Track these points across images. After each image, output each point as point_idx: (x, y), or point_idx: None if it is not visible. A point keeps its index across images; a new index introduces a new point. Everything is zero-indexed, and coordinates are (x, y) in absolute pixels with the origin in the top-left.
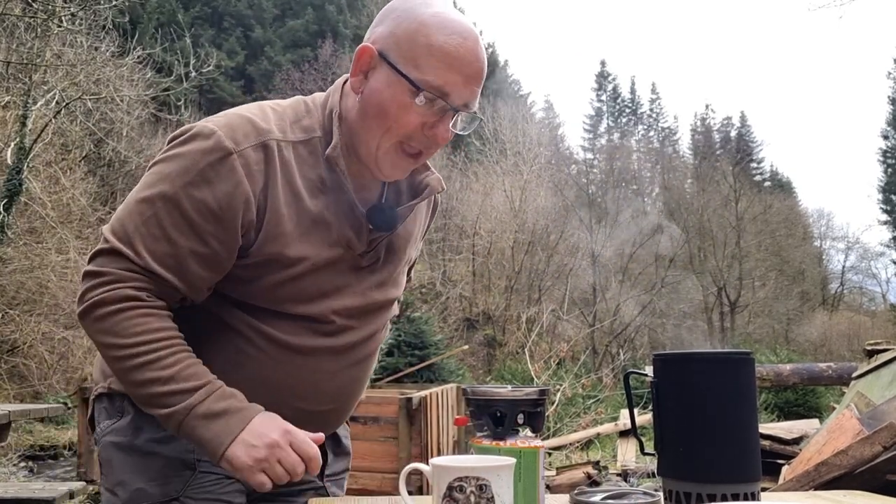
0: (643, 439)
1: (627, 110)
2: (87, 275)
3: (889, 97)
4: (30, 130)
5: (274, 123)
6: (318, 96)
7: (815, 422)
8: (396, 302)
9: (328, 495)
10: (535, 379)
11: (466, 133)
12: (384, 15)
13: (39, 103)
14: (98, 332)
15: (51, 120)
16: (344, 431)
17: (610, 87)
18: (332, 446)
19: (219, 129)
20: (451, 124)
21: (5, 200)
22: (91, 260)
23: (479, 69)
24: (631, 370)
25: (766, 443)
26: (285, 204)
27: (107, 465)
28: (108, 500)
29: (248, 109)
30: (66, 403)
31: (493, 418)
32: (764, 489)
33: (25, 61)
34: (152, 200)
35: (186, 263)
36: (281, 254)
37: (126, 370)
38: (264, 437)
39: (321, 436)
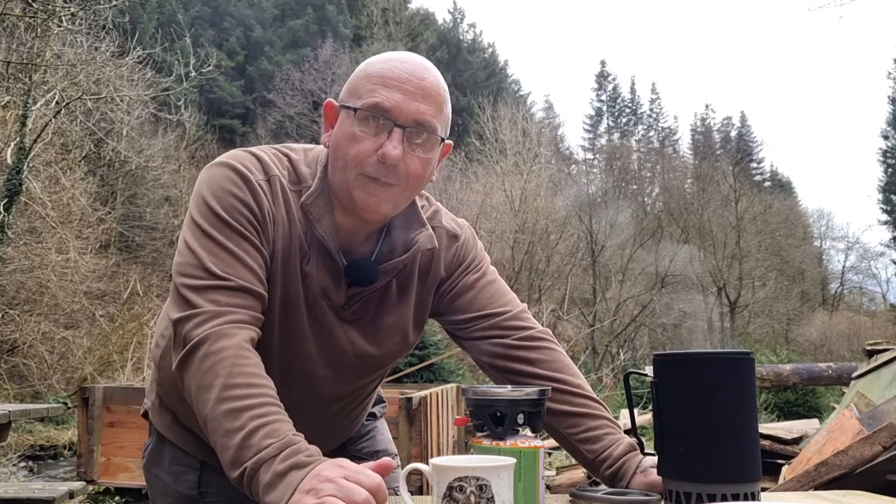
0: (643, 439)
1: (627, 110)
2: (179, 321)
3: (889, 97)
4: (30, 130)
5: (276, 166)
6: (320, 148)
7: (815, 422)
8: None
9: None
10: None
11: (422, 155)
12: None
13: (39, 103)
14: (201, 373)
15: (51, 120)
16: (371, 424)
17: (610, 87)
18: (352, 444)
19: (231, 160)
20: (399, 142)
21: (5, 200)
22: (177, 309)
23: (421, 86)
24: (631, 370)
25: (766, 443)
26: (281, 238)
27: (145, 478)
28: None
29: (251, 150)
30: (65, 403)
31: (493, 418)
32: (764, 489)
33: (25, 61)
34: (201, 230)
35: (257, 271)
36: (272, 276)
37: (221, 415)
38: (317, 476)
39: (388, 462)
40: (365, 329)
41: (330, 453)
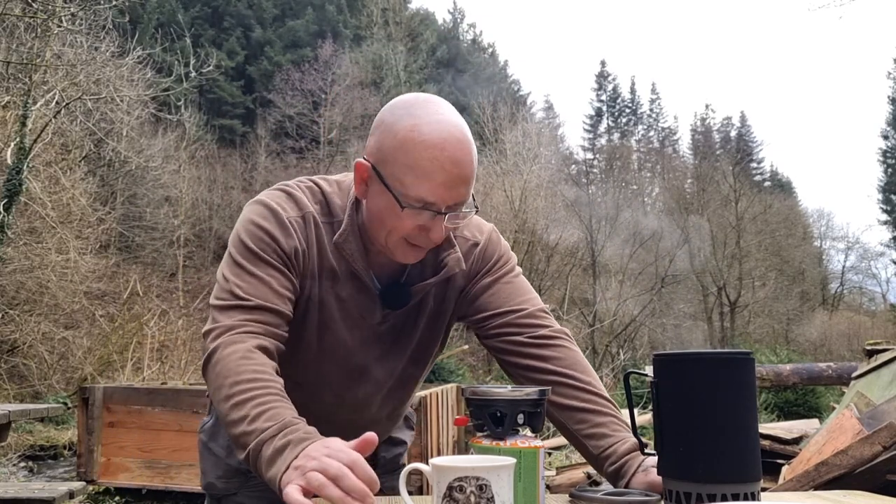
0: (643, 439)
1: (627, 110)
2: (204, 335)
3: (889, 97)
4: (30, 130)
5: (309, 202)
6: (350, 179)
7: (815, 422)
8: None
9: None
10: None
11: (460, 224)
12: (375, 125)
13: (39, 103)
14: (214, 376)
15: (51, 120)
16: (403, 433)
17: (610, 87)
18: (388, 448)
19: (266, 198)
20: (442, 224)
21: (5, 200)
22: (205, 325)
23: (459, 174)
24: (631, 370)
25: (766, 443)
26: (316, 268)
27: (199, 453)
28: (200, 478)
29: (287, 188)
30: (65, 403)
31: (493, 418)
32: (764, 489)
33: (25, 61)
34: (233, 260)
35: (279, 292)
36: (308, 302)
37: (229, 409)
38: (306, 455)
39: (370, 437)
40: (394, 343)
41: None
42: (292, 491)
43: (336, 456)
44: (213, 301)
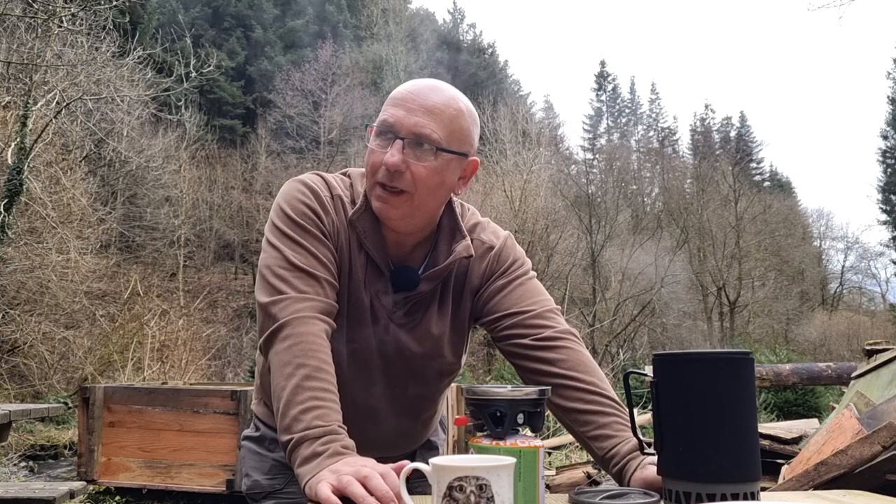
0: (644, 438)
1: (627, 110)
2: (268, 304)
3: (889, 97)
4: (30, 130)
5: (339, 186)
6: None
7: (814, 421)
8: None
9: None
10: None
11: (432, 163)
12: None
13: (40, 103)
14: (283, 349)
15: (51, 120)
16: (438, 437)
17: (610, 87)
18: (425, 452)
19: (302, 178)
20: (398, 151)
21: (6, 200)
22: (266, 294)
23: (423, 104)
24: (631, 370)
25: (765, 443)
26: (345, 248)
27: (242, 458)
28: (242, 484)
29: (319, 173)
30: (66, 403)
31: (493, 418)
32: (764, 489)
33: (26, 61)
34: (280, 231)
35: (326, 263)
36: (339, 283)
37: (292, 387)
38: (347, 464)
39: (404, 463)
40: (412, 332)
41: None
42: (324, 487)
43: (369, 464)
44: (268, 270)
